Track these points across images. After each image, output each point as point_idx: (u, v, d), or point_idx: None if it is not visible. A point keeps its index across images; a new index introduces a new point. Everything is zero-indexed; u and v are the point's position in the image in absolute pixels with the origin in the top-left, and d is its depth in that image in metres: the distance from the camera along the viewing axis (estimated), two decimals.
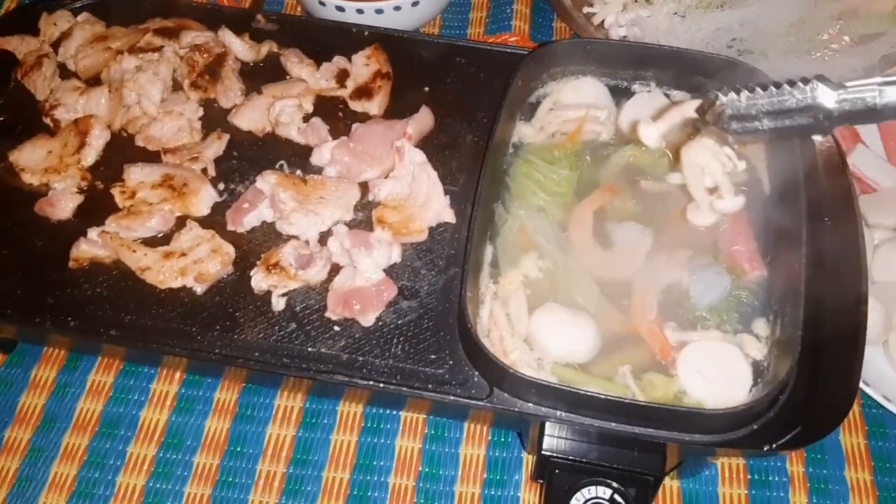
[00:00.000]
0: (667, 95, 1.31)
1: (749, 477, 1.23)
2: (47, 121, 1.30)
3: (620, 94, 1.32)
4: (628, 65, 1.30)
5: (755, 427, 1.01)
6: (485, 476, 1.23)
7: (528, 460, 1.24)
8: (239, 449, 1.26)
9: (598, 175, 1.25)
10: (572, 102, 1.30)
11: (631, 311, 1.13)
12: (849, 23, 1.63)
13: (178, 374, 1.32)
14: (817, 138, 1.23)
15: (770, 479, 1.22)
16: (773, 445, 0.99)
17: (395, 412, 1.28)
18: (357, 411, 1.29)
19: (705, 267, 1.14)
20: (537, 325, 1.10)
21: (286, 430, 1.27)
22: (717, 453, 1.12)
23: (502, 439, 1.26)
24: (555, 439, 1.08)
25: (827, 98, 0.90)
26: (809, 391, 1.03)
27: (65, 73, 1.37)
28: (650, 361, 1.09)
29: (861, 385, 1.17)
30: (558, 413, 1.02)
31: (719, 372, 1.06)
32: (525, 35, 1.70)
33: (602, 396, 0.99)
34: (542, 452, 1.07)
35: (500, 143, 1.21)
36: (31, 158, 1.25)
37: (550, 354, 1.09)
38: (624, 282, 1.15)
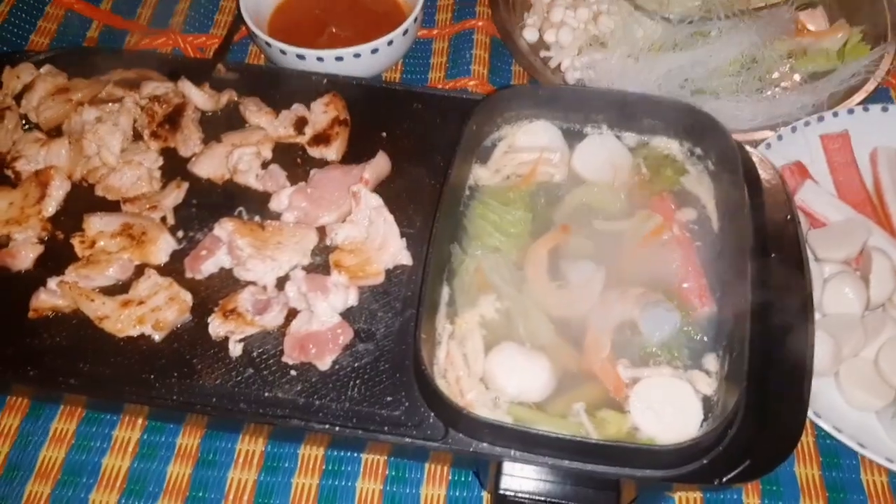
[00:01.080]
0: (618, 137, 1.34)
1: None
2: (8, 173, 1.31)
3: (573, 136, 1.35)
4: (579, 108, 1.34)
5: (705, 462, 1.02)
6: None
7: (487, 499, 1.25)
8: (201, 494, 1.26)
9: (552, 215, 1.28)
10: (526, 145, 1.34)
11: (584, 350, 1.15)
12: (798, 61, 1.69)
13: (140, 421, 1.33)
14: (764, 176, 1.28)
15: None
16: (723, 479, 1.01)
17: (355, 454, 1.29)
18: (318, 454, 1.29)
19: (655, 304, 1.17)
20: (493, 365, 1.12)
21: (248, 475, 1.28)
22: (669, 488, 1.14)
23: (463, 479, 1.27)
24: (511, 478, 1.08)
25: None
26: (758, 425, 1.05)
27: (27, 124, 1.39)
28: (604, 398, 1.11)
29: (813, 417, 1.20)
30: (513, 452, 1.03)
31: (670, 408, 1.09)
32: (484, 79, 1.74)
33: (554, 435, 1.01)
34: (500, 491, 1.08)
35: (456, 186, 1.24)
36: None
37: (506, 393, 1.11)
38: (578, 320, 1.17)
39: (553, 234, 1.25)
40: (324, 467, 1.28)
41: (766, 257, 1.19)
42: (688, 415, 1.08)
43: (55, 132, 1.37)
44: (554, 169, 1.31)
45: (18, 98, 1.40)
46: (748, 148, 1.31)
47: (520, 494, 1.08)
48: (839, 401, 1.27)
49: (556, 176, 1.31)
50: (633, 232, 1.25)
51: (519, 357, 1.13)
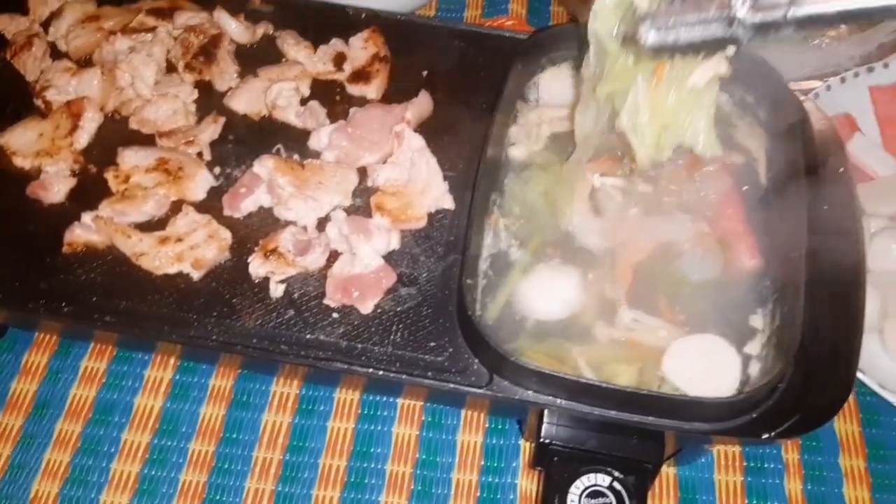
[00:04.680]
0: None
1: (745, 464, 1.23)
2: (38, 102, 1.27)
3: None
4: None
5: (754, 415, 1.01)
6: (482, 463, 1.23)
7: (525, 447, 1.24)
8: (235, 436, 1.25)
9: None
10: (554, 94, 1.29)
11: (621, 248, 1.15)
12: None
13: (172, 361, 1.31)
14: (817, 126, 1.24)
15: (765, 465, 1.23)
16: (772, 434, 0.99)
17: (391, 399, 1.28)
18: (354, 398, 1.28)
19: (702, 251, 1.15)
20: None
21: (282, 417, 1.27)
22: (715, 441, 1.13)
23: (500, 427, 1.26)
24: (554, 427, 1.07)
25: (741, 8, 0.86)
26: (807, 380, 1.03)
27: (55, 53, 1.34)
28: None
29: (858, 373, 1.18)
30: (558, 401, 1.02)
31: (706, 365, 1.06)
32: (522, 19, 1.69)
33: (603, 385, 0.99)
34: (541, 440, 1.07)
35: (500, 130, 1.20)
36: (21, 141, 1.22)
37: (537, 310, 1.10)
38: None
39: (597, 162, 1.22)
40: (359, 411, 1.27)
41: (818, 210, 1.17)
42: (725, 374, 1.06)
43: (85, 62, 1.32)
44: None
45: (46, 25, 1.35)
46: (801, 97, 1.28)
47: (562, 444, 1.07)
48: (883, 357, 1.25)
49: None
50: (679, 164, 1.22)
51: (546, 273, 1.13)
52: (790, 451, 1.24)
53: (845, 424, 1.27)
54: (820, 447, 1.25)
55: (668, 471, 1.23)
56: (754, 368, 1.07)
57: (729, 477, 1.22)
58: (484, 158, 1.12)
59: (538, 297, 1.11)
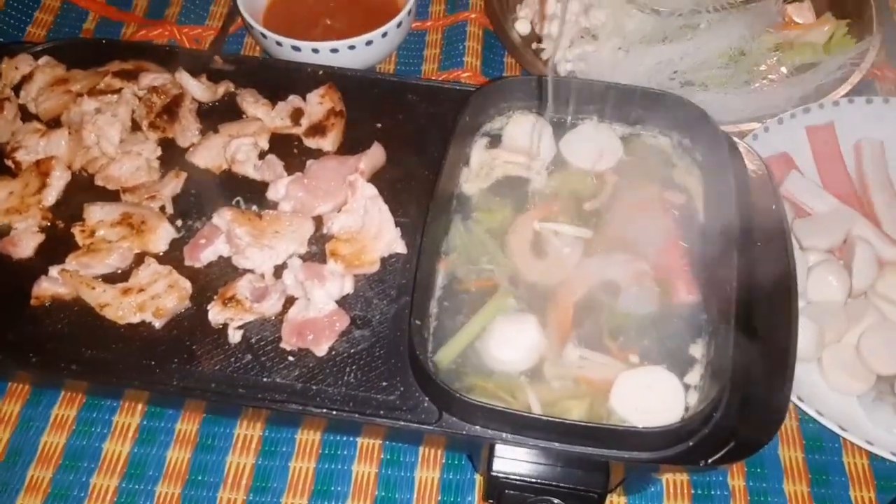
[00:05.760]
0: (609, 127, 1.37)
1: (693, 492, 1.27)
2: (9, 163, 1.33)
3: (565, 127, 1.38)
4: (571, 100, 1.36)
5: (691, 443, 1.05)
6: (439, 498, 1.27)
7: (480, 481, 1.28)
8: (200, 478, 1.29)
9: (535, 200, 1.31)
10: (517, 138, 1.36)
11: (555, 291, 1.20)
12: (785, 54, 1.72)
13: (139, 406, 1.35)
14: (751, 166, 1.31)
15: (712, 493, 1.27)
16: (709, 461, 1.04)
17: (351, 438, 1.32)
18: (315, 439, 1.32)
19: (639, 286, 1.20)
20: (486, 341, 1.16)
21: (246, 459, 1.30)
22: (656, 469, 1.17)
23: (456, 462, 1.30)
24: (504, 460, 1.11)
25: None
26: (743, 408, 1.08)
27: (26, 115, 1.40)
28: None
29: (796, 401, 1.23)
30: (504, 435, 1.06)
31: (652, 397, 1.11)
32: (477, 71, 1.76)
33: (544, 418, 1.04)
34: (492, 473, 1.11)
35: (449, 177, 1.26)
36: None
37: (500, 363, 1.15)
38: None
39: (539, 209, 1.29)
40: (320, 451, 1.31)
41: (751, 246, 1.22)
42: (670, 404, 1.11)
43: (54, 123, 1.38)
44: (536, 175, 1.33)
45: (17, 89, 1.42)
46: (735, 139, 1.34)
47: (512, 476, 1.11)
48: (822, 385, 1.31)
49: (535, 183, 1.33)
50: (620, 204, 1.30)
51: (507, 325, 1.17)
52: (736, 478, 1.29)
53: (789, 451, 1.31)
54: (765, 473, 1.29)
55: (619, 500, 1.27)
56: (693, 398, 1.12)
57: None
58: (434, 198, 1.19)
59: (491, 342, 1.15)
